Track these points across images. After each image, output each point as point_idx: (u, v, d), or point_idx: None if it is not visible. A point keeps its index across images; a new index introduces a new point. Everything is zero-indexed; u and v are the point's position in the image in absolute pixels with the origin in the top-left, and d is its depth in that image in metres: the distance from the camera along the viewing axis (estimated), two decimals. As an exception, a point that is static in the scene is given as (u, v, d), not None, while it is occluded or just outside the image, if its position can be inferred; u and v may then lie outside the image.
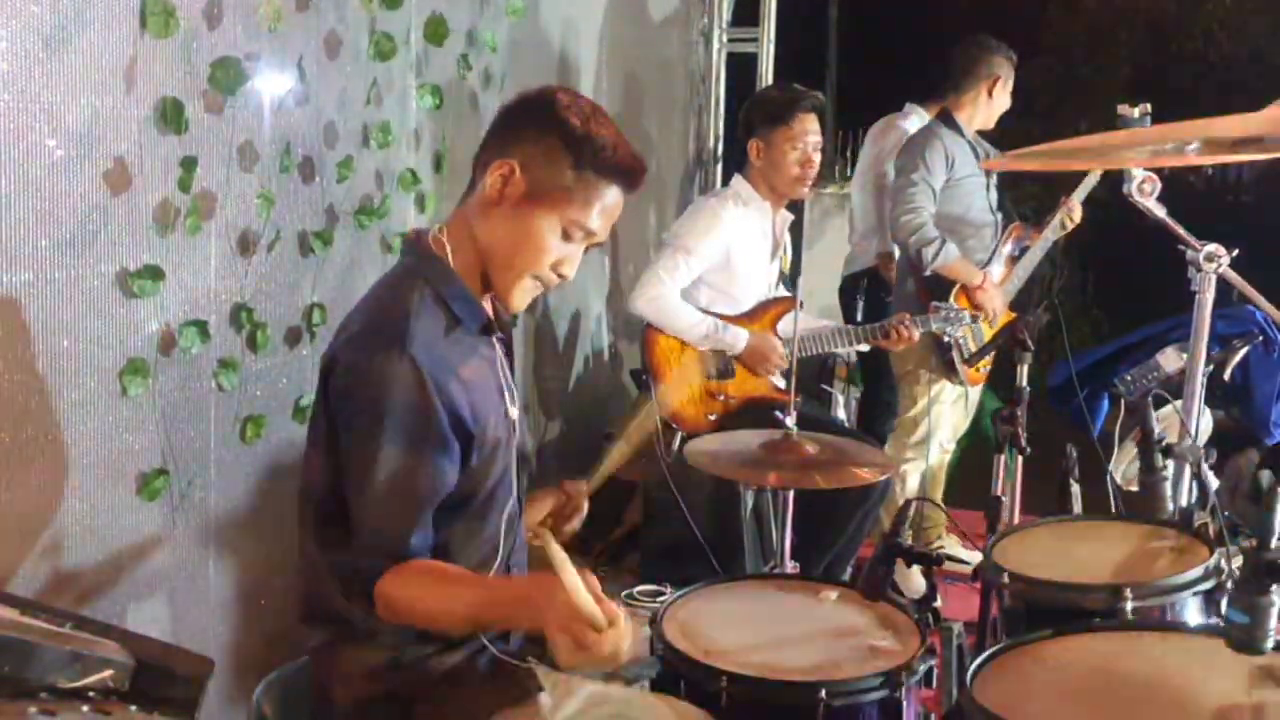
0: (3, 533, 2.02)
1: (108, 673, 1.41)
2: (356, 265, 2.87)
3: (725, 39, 5.43)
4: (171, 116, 2.23)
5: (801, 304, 3.14)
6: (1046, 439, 2.93)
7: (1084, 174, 3.97)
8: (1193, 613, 1.98)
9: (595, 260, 4.53)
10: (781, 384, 3.55)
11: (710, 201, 3.61)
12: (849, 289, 4.61)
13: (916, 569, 2.01)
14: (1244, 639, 1.45)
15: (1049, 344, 4.45)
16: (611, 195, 1.80)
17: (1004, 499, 2.78)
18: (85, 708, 1.35)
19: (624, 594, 3.49)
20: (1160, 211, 2.63)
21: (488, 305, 1.88)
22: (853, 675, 1.83)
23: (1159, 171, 2.59)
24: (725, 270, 3.50)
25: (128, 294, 2.20)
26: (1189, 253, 2.60)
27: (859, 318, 4.48)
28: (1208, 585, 1.98)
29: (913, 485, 4.04)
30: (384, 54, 2.86)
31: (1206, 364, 2.73)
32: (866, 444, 2.96)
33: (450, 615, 1.74)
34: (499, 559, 1.89)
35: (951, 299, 3.75)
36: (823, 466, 2.54)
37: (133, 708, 1.40)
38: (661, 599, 2.61)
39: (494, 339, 1.89)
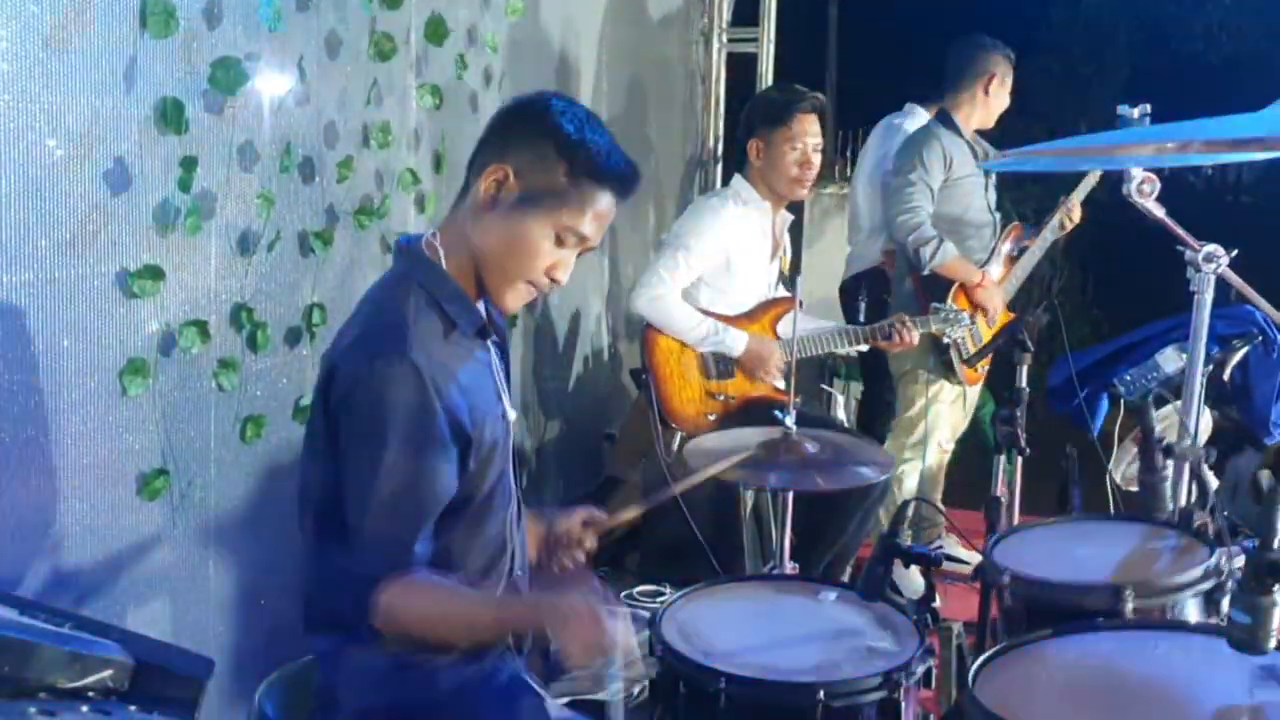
0: (3, 533, 2.02)
1: (108, 673, 1.41)
2: (356, 265, 2.87)
3: (725, 39, 5.43)
4: (171, 116, 2.23)
5: (801, 304, 3.14)
6: (1046, 439, 2.94)
7: (1084, 174, 3.97)
8: (1193, 613, 1.98)
9: (594, 261, 4.53)
10: (781, 384, 3.55)
11: (710, 201, 3.61)
12: (851, 290, 4.60)
13: (916, 569, 2.01)
14: (1246, 639, 1.46)
15: (1048, 344, 4.44)
16: (605, 201, 1.81)
17: (1004, 499, 2.79)
18: (85, 708, 1.35)
19: (624, 594, 3.49)
20: (1159, 212, 2.63)
21: (482, 308, 1.88)
22: (852, 676, 1.83)
23: (1159, 172, 2.59)
24: (725, 270, 3.50)
25: (128, 294, 2.20)
26: (1188, 253, 2.60)
27: (862, 319, 4.47)
28: (1208, 585, 1.98)
29: (911, 486, 4.03)
30: (384, 54, 2.86)
31: (1206, 364, 2.73)
32: (866, 443, 2.96)
33: (452, 633, 1.77)
34: (504, 561, 1.89)
35: (950, 299, 3.74)
36: (823, 466, 2.54)
37: (133, 708, 1.40)
38: (661, 599, 2.62)
39: (489, 342, 1.89)
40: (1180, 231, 2.63)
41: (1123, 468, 3.50)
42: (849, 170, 5.65)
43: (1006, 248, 4.06)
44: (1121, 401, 3.40)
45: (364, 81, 2.84)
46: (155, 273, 2.24)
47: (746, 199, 3.54)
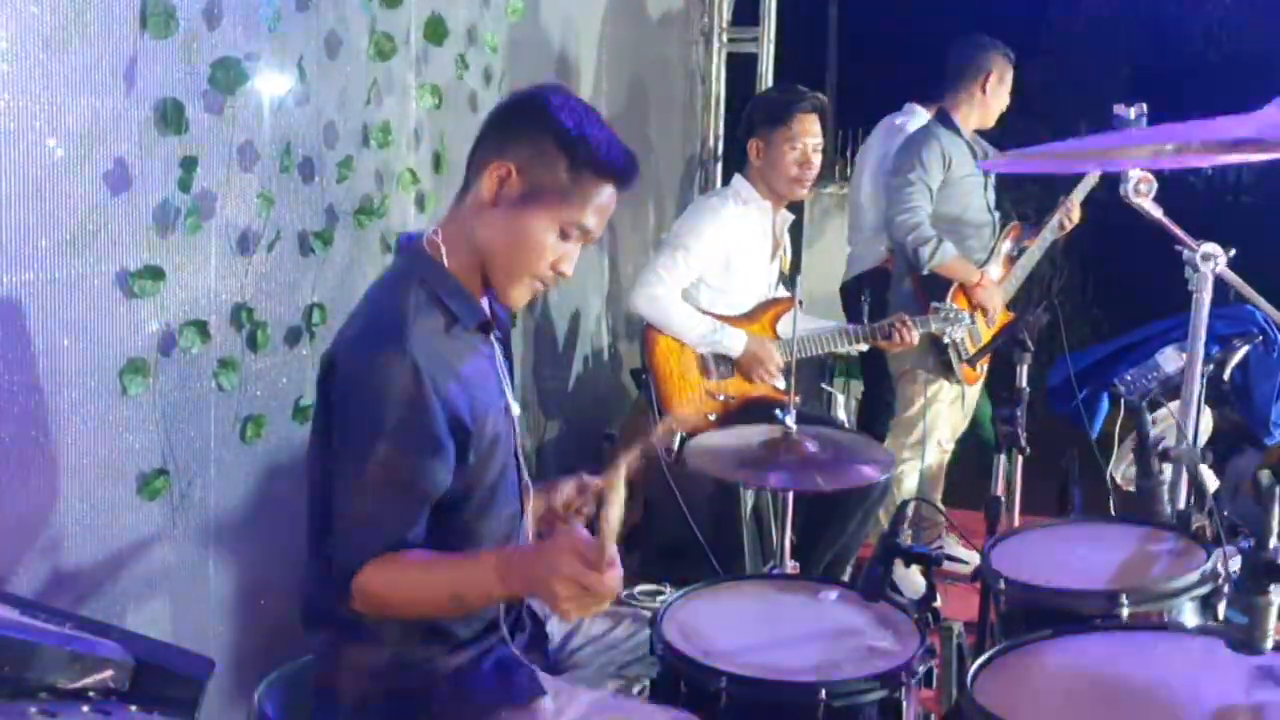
0: (3, 533, 2.02)
1: (108, 673, 1.41)
2: (356, 265, 2.87)
3: (725, 39, 5.43)
4: (171, 117, 2.23)
5: (801, 304, 3.14)
6: (1046, 439, 2.94)
7: (1083, 174, 3.97)
8: (1190, 617, 1.98)
9: (595, 260, 4.53)
10: (781, 384, 3.55)
11: (710, 201, 3.61)
12: (853, 290, 4.59)
13: (916, 569, 2.01)
14: (1243, 639, 1.46)
15: (1049, 344, 4.44)
16: (606, 194, 1.82)
17: (1003, 499, 2.79)
18: (85, 708, 1.35)
19: (624, 594, 3.49)
20: (1156, 212, 2.63)
21: (485, 304, 1.89)
22: (852, 676, 1.83)
23: (1158, 172, 2.59)
24: (725, 270, 3.50)
25: (128, 294, 2.20)
26: (1186, 252, 2.60)
27: (865, 319, 4.47)
28: (1205, 590, 1.98)
29: (910, 485, 4.03)
30: (384, 54, 2.86)
31: (1206, 364, 2.73)
32: (866, 442, 2.96)
33: (433, 597, 1.72)
34: None
35: (949, 299, 3.74)
36: (823, 466, 2.54)
37: (133, 708, 1.41)
38: (661, 599, 2.62)
39: (492, 337, 1.90)
40: (1178, 231, 2.63)
41: (1123, 468, 3.49)
42: (849, 170, 5.65)
43: (1006, 247, 4.06)
44: (1122, 402, 3.40)
45: (364, 81, 2.84)
46: (155, 273, 2.24)
47: (746, 199, 3.54)
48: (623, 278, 4.69)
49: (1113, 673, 1.68)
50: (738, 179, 3.59)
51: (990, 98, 4.02)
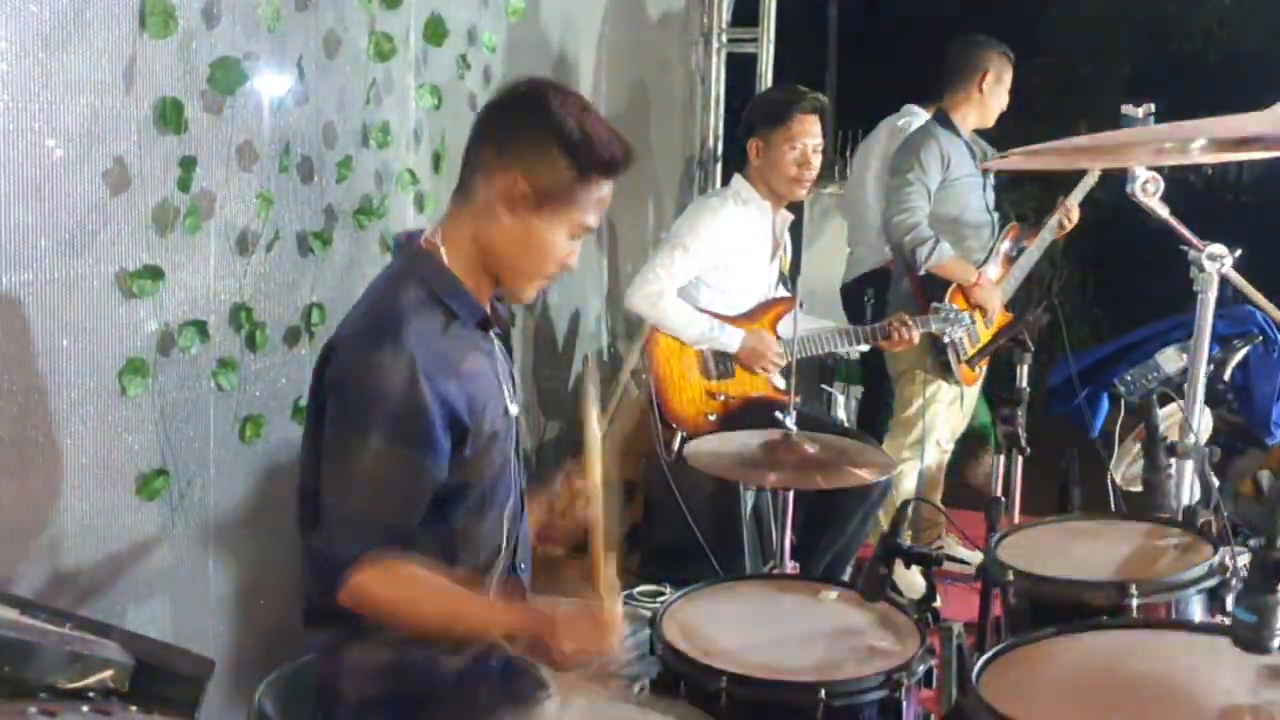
0: (3, 533, 2.02)
1: (108, 673, 1.41)
2: (356, 265, 2.87)
3: (725, 39, 5.42)
4: (171, 116, 2.22)
5: (801, 304, 3.14)
6: (1046, 439, 2.93)
7: (1082, 174, 3.97)
8: (1197, 610, 1.99)
9: (594, 260, 4.52)
10: (781, 384, 3.55)
11: (710, 201, 3.60)
12: (855, 291, 4.58)
13: (916, 569, 2.01)
14: (1251, 638, 1.46)
15: (1049, 344, 4.44)
16: (606, 188, 1.85)
17: (1004, 499, 2.78)
18: (85, 708, 1.35)
19: (624, 594, 3.48)
20: (1163, 211, 2.63)
21: (484, 302, 1.89)
22: (852, 675, 1.83)
23: (1159, 171, 2.59)
24: (724, 270, 3.50)
25: (127, 294, 2.20)
26: (1191, 253, 2.59)
27: (868, 319, 4.46)
28: (1212, 582, 1.99)
29: (909, 486, 4.03)
30: (383, 54, 2.86)
31: (1206, 364, 2.73)
32: (866, 443, 2.96)
33: (425, 619, 1.77)
34: (503, 557, 1.89)
35: (947, 299, 3.74)
36: (823, 466, 2.54)
37: (133, 708, 1.40)
38: (661, 599, 2.61)
39: (491, 334, 1.90)
40: (1184, 231, 2.63)
41: (1123, 468, 3.49)
42: (849, 170, 5.64)
43: (1005, 247, 4.06)
44: (1122, 401, 3.40)
45: (363, 81, 2.83)
46: (154, 273, 2.24)
47: (746, 199, 3.53)
48: (622, 277, 4.68)
49: (1117, 670, 1.67)
50: (737, 179, 3.58)
51: (988, 97, 4.01)
